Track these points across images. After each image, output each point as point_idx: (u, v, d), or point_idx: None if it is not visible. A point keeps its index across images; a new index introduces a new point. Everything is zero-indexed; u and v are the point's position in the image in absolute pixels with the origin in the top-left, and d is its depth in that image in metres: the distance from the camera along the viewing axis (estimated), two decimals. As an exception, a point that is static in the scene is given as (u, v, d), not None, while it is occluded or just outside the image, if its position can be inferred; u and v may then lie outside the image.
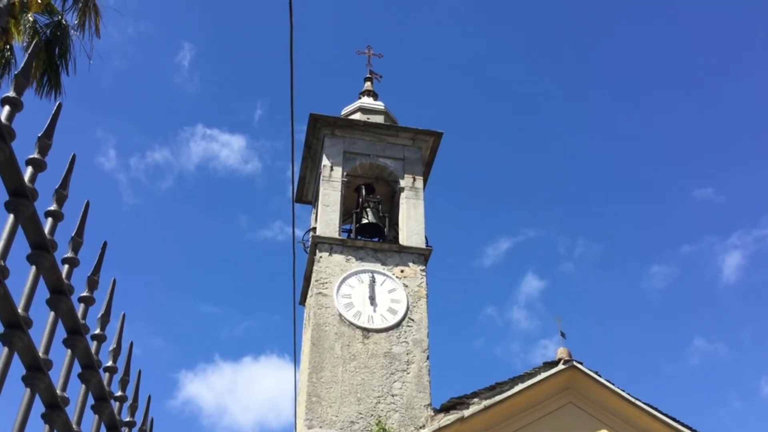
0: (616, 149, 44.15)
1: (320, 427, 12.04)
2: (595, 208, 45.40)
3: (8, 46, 8.44)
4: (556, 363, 12.63)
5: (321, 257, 14.12)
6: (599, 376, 12.47)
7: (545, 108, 45.81)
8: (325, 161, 15.51)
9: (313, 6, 42.81)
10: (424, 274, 14.29)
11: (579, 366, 12.53)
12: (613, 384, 12.48)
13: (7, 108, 1.45)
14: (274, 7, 45.07)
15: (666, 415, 12.18)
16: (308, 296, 14.61)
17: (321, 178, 15.39)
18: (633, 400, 12.19)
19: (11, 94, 1.48)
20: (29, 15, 8.12)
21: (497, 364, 43.91)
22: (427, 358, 13.16)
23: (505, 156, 46.74)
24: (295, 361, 12.64)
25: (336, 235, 14.53)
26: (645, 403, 12.24)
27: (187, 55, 46.22)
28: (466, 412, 11.66)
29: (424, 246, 14.65)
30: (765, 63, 40.03)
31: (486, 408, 11.77)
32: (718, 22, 41.08)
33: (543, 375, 12.34)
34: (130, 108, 44.85)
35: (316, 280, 13.82)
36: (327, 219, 14.72)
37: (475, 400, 12.11)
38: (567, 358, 12.59)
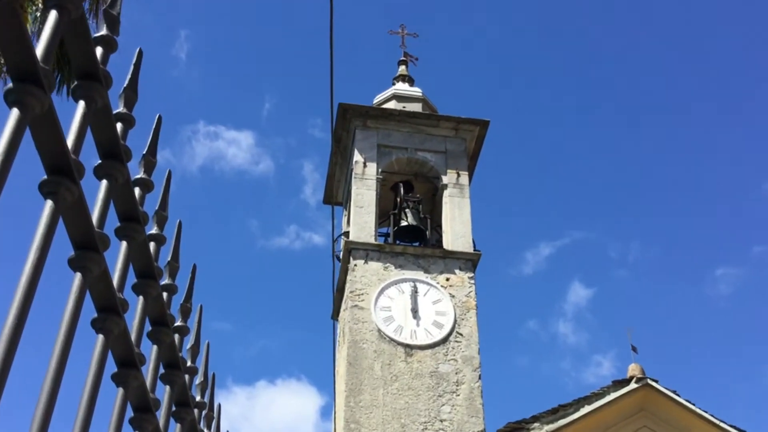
0: (674, 142, 43.63)
1: (360, 457, 12.09)
2: (651, 208, 44.60)
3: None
4: (627, 381, 12.56)
5: (356, 265, 14.16)
6: (678, 395, 12.38)
7: (596, 97, 45.39)
8: (357, 157, 15.54)
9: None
10: (472, 282, 14.25)
11: (654, 384, 12.45)
12: (694, 404, 12.38)
13: (120, 125, 1.49)
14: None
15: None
16: (342, 310, 14.65)
17: (353, 175, 15.41)
18: (718, 422, 12.07)
19: (122, 110, 1.53)
20: (38, 2, 8.29)
21: (546, 384, 43.65)
22: (479, 378, 13.14)
23: (548, 150, 46.31)
24: (334, 383, 12.71)
25: (372, 240, 14.56)
26: (731, 426, 12.12)
27: (185, 45, 46.55)
28: (526, 439, 11.64)
29: (471, 250, 14.60)
30: None
31: (548, 434, 11.74)
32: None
33: (613, 395, 12.28)
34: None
35: (351, 292, 13.85)
36: (361, 222, 14.75)
37: (536, 424, 12.09)
38: (640, 376, 12.52)
